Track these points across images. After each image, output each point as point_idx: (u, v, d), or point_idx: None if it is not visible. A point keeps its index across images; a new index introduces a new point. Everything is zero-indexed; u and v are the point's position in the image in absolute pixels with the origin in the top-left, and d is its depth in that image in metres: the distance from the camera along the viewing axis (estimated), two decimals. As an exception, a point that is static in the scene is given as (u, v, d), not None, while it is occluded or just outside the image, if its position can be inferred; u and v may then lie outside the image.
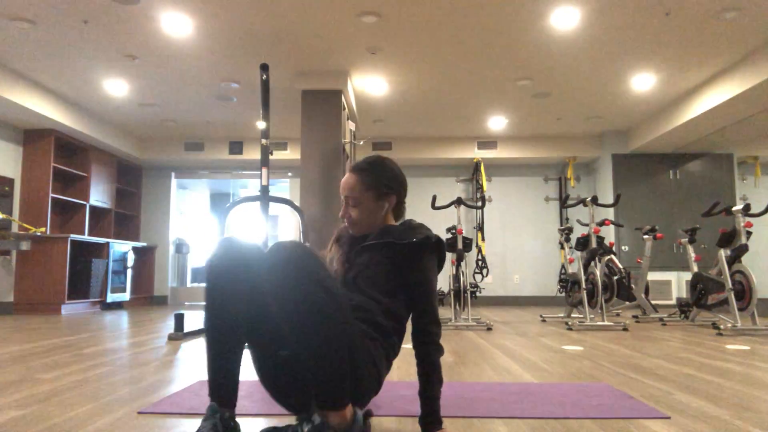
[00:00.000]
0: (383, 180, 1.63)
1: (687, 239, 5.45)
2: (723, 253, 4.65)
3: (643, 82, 5.95)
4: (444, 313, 6.54)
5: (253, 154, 8.30)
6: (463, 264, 4.96)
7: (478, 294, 7.01)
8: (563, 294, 5.84)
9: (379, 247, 1.59)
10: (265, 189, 4.45)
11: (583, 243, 5.20)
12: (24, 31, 4.71)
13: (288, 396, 1.52)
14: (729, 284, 4.52)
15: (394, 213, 1.70)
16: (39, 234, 6.46)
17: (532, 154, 8.27)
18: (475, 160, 8.51)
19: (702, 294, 4.97)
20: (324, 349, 1.30)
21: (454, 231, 5.04)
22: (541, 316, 5.79)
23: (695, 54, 5.25)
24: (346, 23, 4.64)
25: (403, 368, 2.69)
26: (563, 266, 8.38)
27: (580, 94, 6.40)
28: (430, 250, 1.57)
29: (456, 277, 4.98)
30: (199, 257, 10.50)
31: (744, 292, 4.50)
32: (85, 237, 6.95)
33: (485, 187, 8.60)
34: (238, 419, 1.47)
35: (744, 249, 4.55)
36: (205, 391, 2.11)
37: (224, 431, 1.36)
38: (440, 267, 1.64)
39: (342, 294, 1.40)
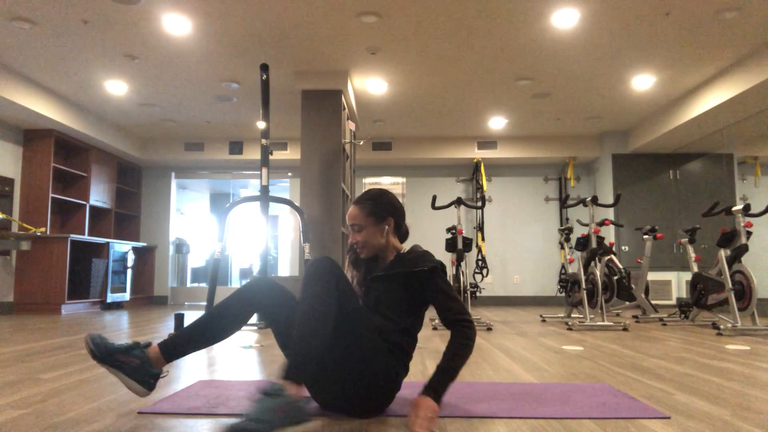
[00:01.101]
0: (380, 207, 1.92)
1: (687, 239, 5.45)
2: (723, 253, 4.65)
3: (643, 82, 5.95)
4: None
5: (253, 154, 8.30)
6: (463, 264, 4.96)
7: (478, 294, 7.00)
8: (563, 294, 5.84)
9: (394, 276, 1.86)
10: (265, 189, 4.46)
11: (583, 243, 5.20)
12: (24, 31, 4.71)
13: None
14: (729, 284, 4.52)
15: (397, 235, 1.99)
16: (39, 234, 6.46)
17: (532, 154, 8.27)
18: (475, 160, 8.51)
19: (702, 294, 4.97)
20: (307, 337, 1.56)
21: (454, 231, 5.04)
22: (541, 316, 5.79)
23: (695, 54, 5.25)
24: (346, 23, 4.64)
25: (403, 368, 2.70)
26: (563, 266, 8.38)
27: (580, 94, 6.40)
28: (438, 273, 1.84)
29: (456, 277, 4.98)
30: (199, 257, 10.50)
31: (744, 292, 4.50)
32: (85, 237, 6.95)
33: (485, 187, 8.60)
34: (235, 419, 1.51)
35: (744, 249, 4.55)
36: (205, 391, 2.11)
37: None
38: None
39: (353, 306, 1.69)
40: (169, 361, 1.74)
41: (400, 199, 8.74)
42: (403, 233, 2.01)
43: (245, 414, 1.39)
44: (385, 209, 1.93)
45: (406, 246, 2.00)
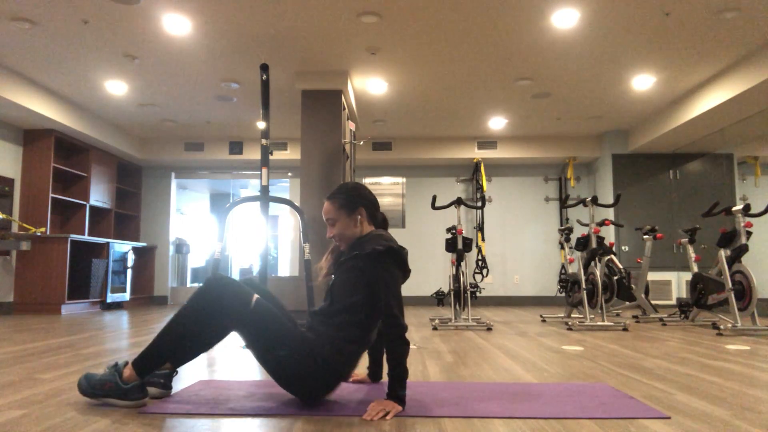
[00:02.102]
0: (351, 198, 2.03)
1: (687, 239, 5.45)
2: (723, 253, 4.65)
3: (643, 82, 5.95)
4: (444, 313, 6.54)
5: (253, 154, 8.30)
6: (463, 264, 4.96)
7: (478, 294, 7.01)
8: (563, 294, 5.84)
9: (350, 260, 1.95)
10: (265, 189, 4.45)
11: (583, 243, 5.20)
12: (24, 31, 4.71)
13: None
14: (729, 284, 4.52)
15: (373, 223, 2.07)
16: (39, 234, 6.46)
17: (532, 154, 8.27)
18: (475, 160, 8.51)
19: (702, 294, 4.97)
20: (172, 332, 1.85)
21: (454, 231, 5.04)
22: (541, 316, 5.79)
23: (695, 54, 5.25)
24: (346, 23, 4.64)
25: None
26: (563, 266, 8.38)
27: (580, 94, 6.40)
28: (383, 258, 1.88)
29: (456, 277, 4.98)
30: (199, 257, 10.50)
31: (744, 292, 4.50)
32: (85, 237, 6.95)
33: (485, 187, 8.60)
34: (235, 419, 1.63)
35: (744, 249, 4.55)
36: (206, 391, 2.11)
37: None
38: (403, 272, 1.95)
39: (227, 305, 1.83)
40: (141, 377, 1.86)
41: (400, 199, 8.77)
42: (379, 221, 2.09)
43: (88, 374, 1.86)
44: (355, 200, 2.02)
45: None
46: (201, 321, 1.84)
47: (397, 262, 1.91)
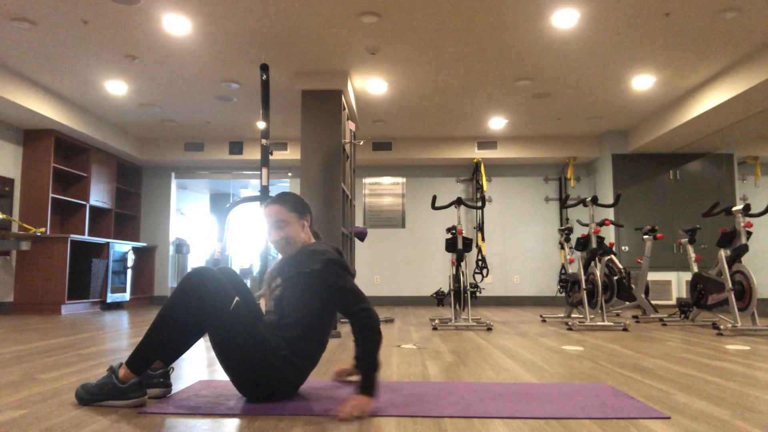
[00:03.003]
0: (301, 203, 2.08)
1: (687, 239, 5.45)
2: (723, 253, 4.65)
3: (643, 82, 5.95)
4: (444, 313, 6.54)
5: (253, 154, 8.30)
6: (463, 264, 4.96)
7: (478, 294, 7.00)
8: (563, 294, 5.84)
9: (292, 277, 1.98)
10: (265, 189, 4.46)
11: (583, 243, 5.20)
12: (24, 31, 4.71)
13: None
14: (729, 284, 4.52)
15: (312, 232, 2.14)
16: (39, 234, 6.46)
17: (532, 154, 8.27)
18: (475, 161, 8.51)
19: (702, 294, 4.97)
20: (156, 325, 1.88)
21: (454, 231, 5.04)
22: (541, 316, 5.79)
23: (695, 54, 5.25)
24: (346, 23, 4.64)
25: (402, 369, 2.70)
26: (563, 266, 8.38)
27: (580, 94, 6.40)
28: (327, 269, 1.92)
29: (456, 278, 4.98)
30: (199, 257, 10.50)
31: (744, 292, 4.50)
32: (85, 237, 6.95)
33: (485, 187, 8.61)
34: (235, 419, 1.63)
35: (744, 249, 4.55)
36: (206, 391, 2.11)
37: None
38: (348, 271, 1.97)
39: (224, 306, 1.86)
40: (137, 375, 1.87)
41: (400, 199, 8.78)
42: (314, 232, 2.16)
43: (84, 383, 1.91)
44: (304, 206, 2.09)
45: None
46: (183, 314, 1.88)
47: (346, 268, 1.97)
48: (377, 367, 1.81)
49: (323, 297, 1.94)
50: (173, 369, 2.09)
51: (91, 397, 1.88)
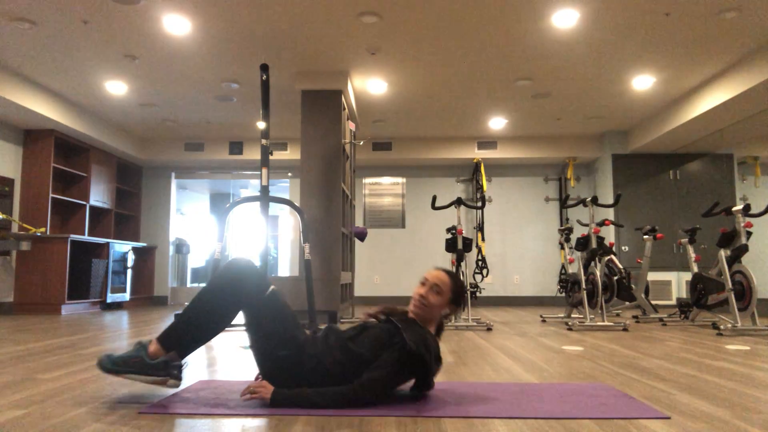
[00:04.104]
0: (460, 294, 2.12)
1: (687, 239, 5.45)
2: (723, 253, 4.65)
3: (643, 82, 5.95)
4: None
5: (253, 154, 8.30)
6: (463, 264, 4.96)
7: (478, 294, 7.01)
8: (563, 294, 5.84)
9: (389, 332, 1.97)
10: (265, 189, 4.45)
11: (583, 243, 5.20)
12: (24, 31, 4.71)
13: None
14: (729, 284, 4.52)
15: (440, 322, 2.14)
16: (39, 234, 6.46)
17: (532, 154, 8.27)
18: (475, 161, 8.51)
19: (702, 294, 4.97)
20: (195, 306, 1.92)
21: (454, 231, 5.04)
22: (541, 316, 5.79)
23: (695, 54, 5.25)
24: (346, 23, 4.64)
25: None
26: (563, 266, 8.38)
27: (580, 94, 6.40)
28: (405, 356, 1.89)
29: (456, 277, 4.97)
30: (199, 257, 10.50)
31: (744, 292, 4.50)
32: (85, 237, 6.95)
33: (485, 188, 8.60)
34: (235, 419, 1.63)
35: (744, 249, 4.55)
36: (205, 391, 2.11)
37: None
38: (410, 372, 1.94)
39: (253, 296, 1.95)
40: (168, 351, 1.89)
41: (400, 199, 8.78)
42: (440, 323, 2.16)
43: (108, 353, 1.89)
44: (461, 298, 2.13)
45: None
46: (220, 298, 1.93)
47: (411, 366, 1.92)
48: (309, 405, 1.79)
49: (381, 357, 1.91)
50: (187, 363, 2.10)
51: (115, 367, 1.86)
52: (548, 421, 1.70)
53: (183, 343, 1.94)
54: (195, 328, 1.92)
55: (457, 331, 4.58)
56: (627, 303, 5.95)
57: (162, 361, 1.86)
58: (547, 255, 8.68)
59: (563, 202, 5.64)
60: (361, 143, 8.16)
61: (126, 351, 1.91)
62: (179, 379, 2.01)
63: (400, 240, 8.73)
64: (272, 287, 1.98)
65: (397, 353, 1.89)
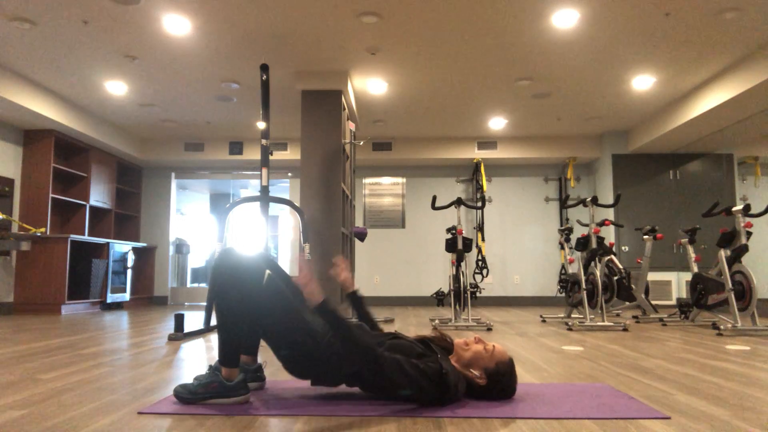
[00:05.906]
0: (498, 378, 1.97)
1: (687, 239, 5.45)
2: (723, 254, 4.65)
3: (643, 82, 5.95)
4: (444, 313, 6.54)
5: (253, 154, 8.30)
6: (463, 264, 4.96)
7: (478, 294, 7.00)
8: (563, 294, 5.84)
9: (429, 351, 1.95)
10: (265, 189, 4.45)
11: (583, 243, 5.20)
12: (24, 31, 4.71)
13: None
14: (729, 284, 4.52)
15: (473, 383, 1.98)
16: (39, 234, 6.46)
17: (532, 155, 8.27)
18: (475, 161, 8.51)
19: (702, 294, 4.97)
20: (220, 320, 1.93)
21: (454, 231, 5.04)
22: (541, 316, 5.79)
23: (695, 54, 5.25)
24: (346, 23, 4.64)
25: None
26: (563, 266, 8.38)
27: (580, 94, 6.40)
28: (437, 375, 1.84)
29: (456, 278, 4.98)
30: (199, 258, 10.50)
31: (744, 292, 4.50)
32: (85, 237, 6.95)
33: (485, 188, 8.60)
34: (236, 419, 1.65)
35: (744, 249, 4.55)
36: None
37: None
38: (430, 392, 1.85)
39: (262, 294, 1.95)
40: (236, 368, 1.93)
41: (400, 200, 8.78)
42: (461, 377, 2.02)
43: (183, 383, 1.93)
44: (496, 382, 1.98)
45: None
46: (236, 301, 1.93)
47: (431, 380, 1.84)
48: (344, 331, 1.77)
49: (411, 357, 1.89)
50: (266, 363, 2.18)
51: (194, 396, 1.89)
52: (548, 421, 1.70)
53: (245, 351, 2.06)
54: (239, 337, 1.96)
55: (457, 331, 4.58)
56: (627, 303, 5.95)
57: (240, 380, 1.91)
58: (547, 255, 8.68)
59: (563, 202, 5.64)
60: (361, 143, 8.16)
61: (198, 379, 1.92)
62: (263, 380, 2.18)
63: (400, 240, 8.73)
64: (267, 273, 1.98)
65: (424, 365, 1.85)
